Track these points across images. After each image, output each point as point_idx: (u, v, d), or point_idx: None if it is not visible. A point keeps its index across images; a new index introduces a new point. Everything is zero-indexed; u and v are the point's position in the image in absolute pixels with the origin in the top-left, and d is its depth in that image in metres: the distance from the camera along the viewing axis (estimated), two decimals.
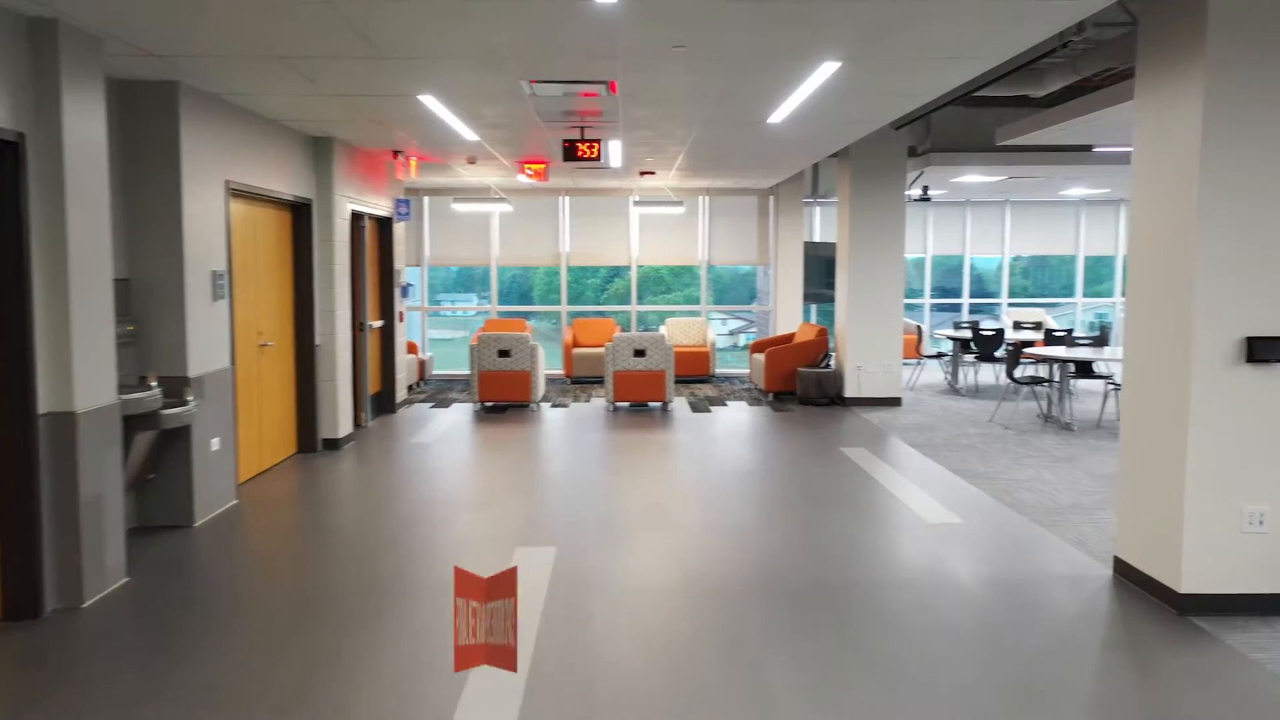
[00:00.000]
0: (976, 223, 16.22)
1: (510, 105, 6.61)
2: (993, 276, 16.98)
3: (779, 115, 6.92)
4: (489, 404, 10.62)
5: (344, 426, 8.46)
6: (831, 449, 8.42)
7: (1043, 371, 10.06)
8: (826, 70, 5.42)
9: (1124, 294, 16.67)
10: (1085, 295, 16.64)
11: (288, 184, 7.58)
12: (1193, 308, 4.23)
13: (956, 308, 16.74)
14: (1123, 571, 4.83)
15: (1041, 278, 18.15)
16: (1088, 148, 9.45)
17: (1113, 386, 9.31)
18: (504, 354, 10.40)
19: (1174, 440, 4.37)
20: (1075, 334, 11.53)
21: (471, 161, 10.04)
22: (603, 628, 4.26)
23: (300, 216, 8.03)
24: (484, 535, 5.79)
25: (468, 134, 7.90)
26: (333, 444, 8.32)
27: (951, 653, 3.96)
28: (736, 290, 19.78)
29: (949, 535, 5.70)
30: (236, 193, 6.67)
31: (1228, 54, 4.12)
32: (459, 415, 10.24)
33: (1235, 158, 4.17)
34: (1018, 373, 9.86)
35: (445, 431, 9.28)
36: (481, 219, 13.71)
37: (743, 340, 22.26)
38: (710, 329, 13.53)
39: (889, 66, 5.38)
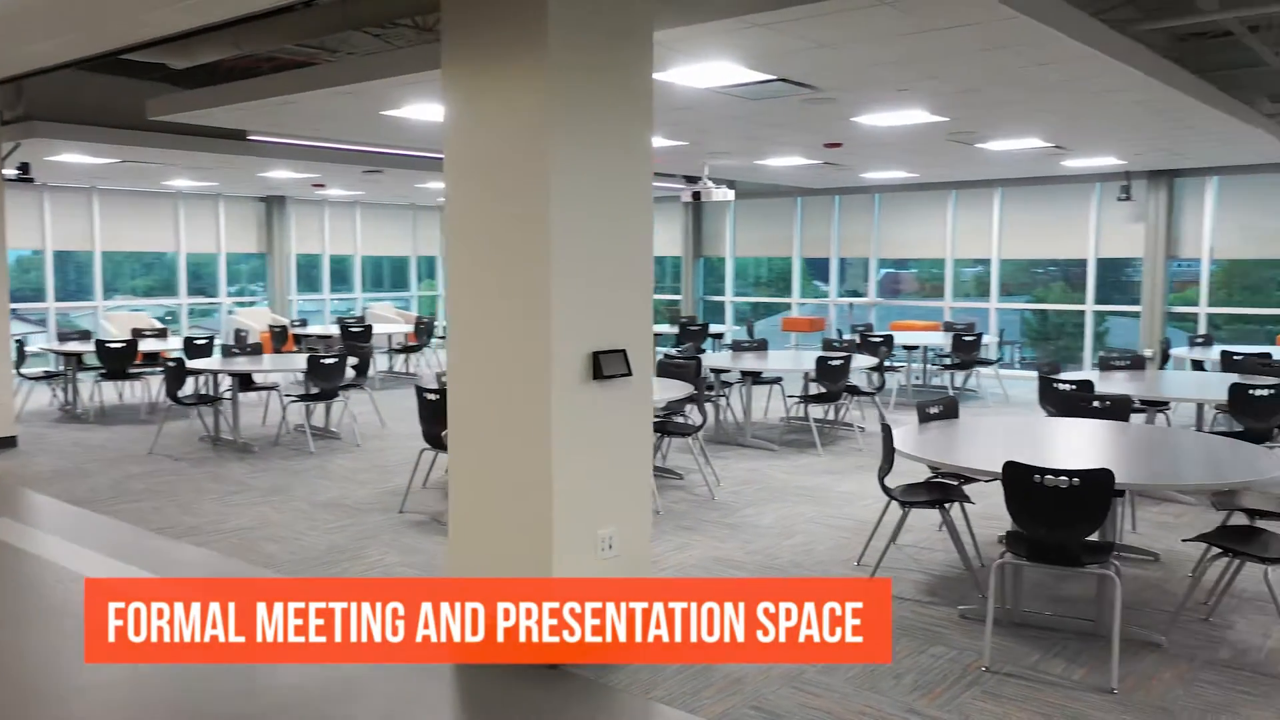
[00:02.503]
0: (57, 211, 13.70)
1: None
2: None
3: None
4: None
5: None
6: None
7: (218, 386, 8.77)
8: None
9: (234, 293, 15.95)
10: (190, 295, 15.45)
11: None
12: (550, 323, 3.75)
13: (43, 313, 13.93)
14: None
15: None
16: (243, 134, 8.44)
17: (291, 399, 8.56)
18: None
19: (535, 471, 3.84)
20: (215, 342, 10.41)
21: None
22: None
23: None
24: None
25: None
26: None
27: None
28: None
29: None
30: None
31: (567, 43, 3.70)
32: None
33: (576, 158, 3.79)
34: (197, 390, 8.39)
35: None
36: None
37: None
38: None
39: None
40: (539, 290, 3.75)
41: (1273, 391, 6.20)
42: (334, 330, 12.59)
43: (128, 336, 10.94)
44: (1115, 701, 3.56)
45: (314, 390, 8.41)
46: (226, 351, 9.49)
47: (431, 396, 6.05)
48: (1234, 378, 7.47)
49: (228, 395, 8.61)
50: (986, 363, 11.04)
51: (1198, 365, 9.50)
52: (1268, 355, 8.29)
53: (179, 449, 8.17)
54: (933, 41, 4.69)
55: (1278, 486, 4.50)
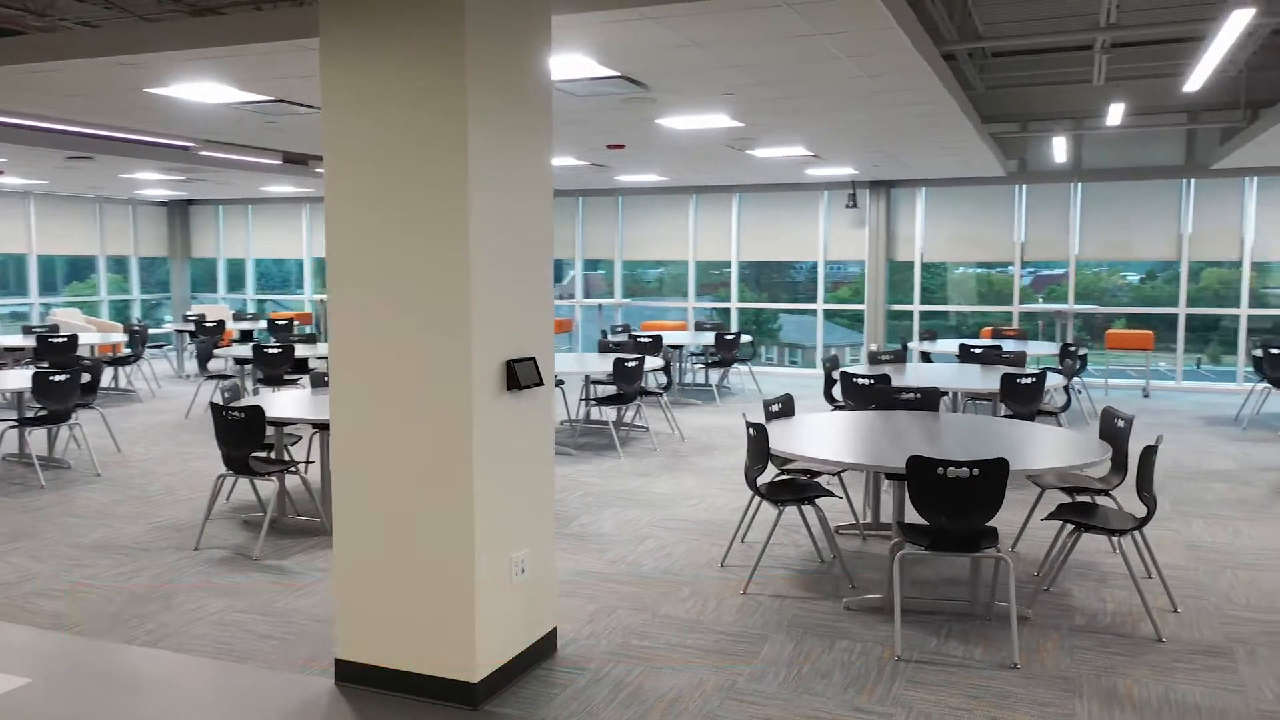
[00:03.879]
0: None
1: None
2: None
3: None
4: None
5: None
6: None
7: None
8: None
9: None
10: None
11: None
12: (470, 327, 3.38)
13: None
14: (359, 678, 3.66)
15: None
16: None
17: (8, 424, 7.19)
18: None
19: (453, 494, 3.45)
20: None
21: None
22: None
23: None
24: None
25: None
26: None
27: None
28: None
29: (27, 713, 3.47)
30: None
31: (482, 26, 3.36)
32: None
33: (493, 147, 3.45)
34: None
35: None
36: None
37: None
38: None
39: None
40: (456, 289, 3.38)
41: (1034, 380, 6.97)
42: (25, 342, 10.79)
43: None
44: (1023, 676, 3.79)
45: (40, 413, 7.15)
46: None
47: (235, 415, 5.32)
48: (975, 368, 8.36)
49: None
50: (743, 360, 11.55)
51: (925, 357, 10.51)
52: (999, 347, 9.32)
53: None
54: (804, 46, 4.77)
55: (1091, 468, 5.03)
